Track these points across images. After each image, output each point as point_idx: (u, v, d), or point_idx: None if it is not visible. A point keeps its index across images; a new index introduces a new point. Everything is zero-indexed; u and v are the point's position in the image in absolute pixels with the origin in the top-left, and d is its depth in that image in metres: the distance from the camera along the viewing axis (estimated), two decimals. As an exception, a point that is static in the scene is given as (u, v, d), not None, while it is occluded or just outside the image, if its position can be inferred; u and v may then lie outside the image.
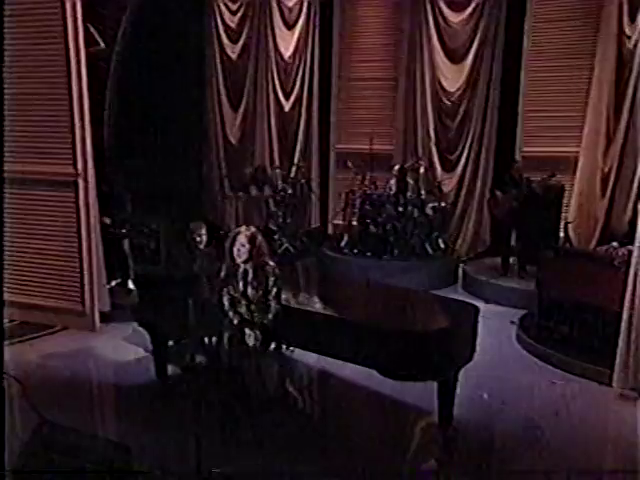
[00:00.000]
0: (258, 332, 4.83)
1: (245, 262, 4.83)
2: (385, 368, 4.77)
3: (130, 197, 8.02)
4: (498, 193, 8.88)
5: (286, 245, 9.98)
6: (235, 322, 4.83)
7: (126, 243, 8.05)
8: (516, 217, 8.58)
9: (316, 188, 11.16)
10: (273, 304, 4.85)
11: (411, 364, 4.67)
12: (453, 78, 10.26)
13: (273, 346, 5.61)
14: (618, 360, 5.78)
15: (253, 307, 4.85)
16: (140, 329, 6.30)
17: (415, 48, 10.43)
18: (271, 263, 4.92)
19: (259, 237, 4.85)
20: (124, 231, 7.99)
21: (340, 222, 10.50)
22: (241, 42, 10.58)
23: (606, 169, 8.74)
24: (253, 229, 4.92)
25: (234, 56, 10.58)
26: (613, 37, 8.65)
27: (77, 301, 7.20)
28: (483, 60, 9.98)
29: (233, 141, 10.77)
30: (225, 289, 4.87)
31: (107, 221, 7.84)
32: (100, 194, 7.45)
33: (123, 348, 6.75)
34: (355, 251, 9.52)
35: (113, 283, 7.99)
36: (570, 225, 8.68)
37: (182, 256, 6.07)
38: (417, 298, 6.08)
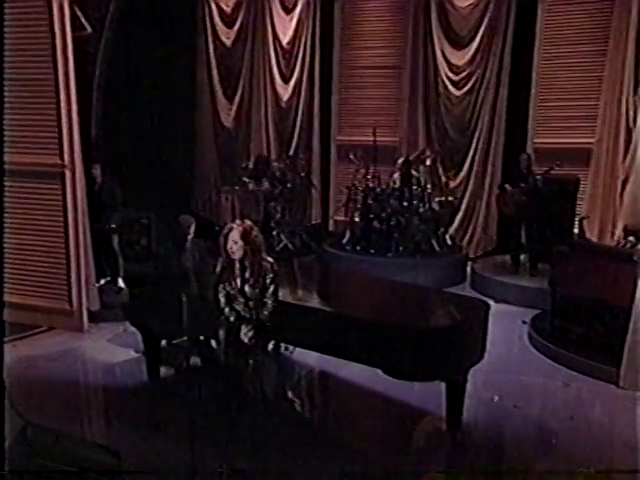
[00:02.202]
0: (255, 330, 4.81)
1: (241, 258, 4.81)
2: (390, 367, 4.75)
3: (120, 190, 7.96)
4: (507, 187, 8.85)
5: (285, 242, 9.94)
6: (231, 319, 4.81)
7: (115, 239, 8.02)
8: (526, 212, 8.55)
9: (316, 182, 11.14)
10: (270, 301, 4.83)
11: (418, 363, 4.65)
12: (460, 66, 10.24)
13: (271, 346, 5.61)
14: (625, 360, 5.77)
15: (250, 304, 4.83)
16: (131, 329, 6.31)
17: (420, 35, 10.40)
18: (269, 259, 4.90)
19: (253, 232, 4.81)
20: (113, 226, 7.94)
21: (342, 218, 10.48)
22: (236, 27, 10.55)
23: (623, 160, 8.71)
24: (247, 223, 4.88)
25: (229, 42, 10.56)
26: (632, 21, 8.60)
27: (64, 300, 7.18)
28: (492, 47, 9.95)
29: (228, 132, 10.74)
30: (221, 285, 4.84)
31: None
32: (89, 187, 7.44)
33: (113, 349, 6.75)
34: (358, 248, 9.48)
35: (102, 281, 7.97)
36: (585, 220, 8.62)
37: (170, 251, 6.05)
38: (424, 294, 6.07)
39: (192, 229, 6.07)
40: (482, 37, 10.01)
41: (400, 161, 9.64)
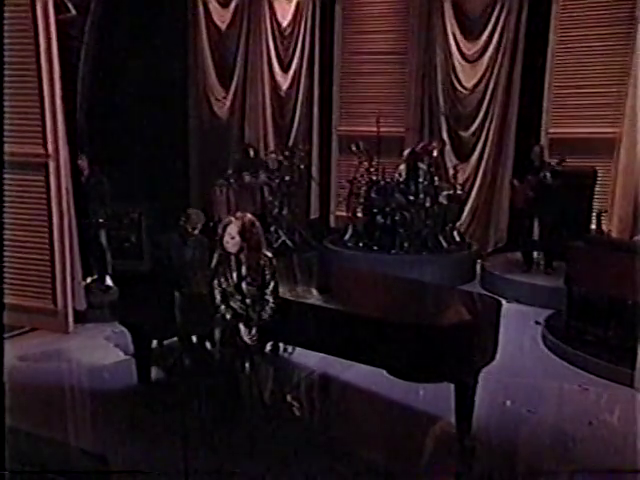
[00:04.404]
0: (253, 329, 4.80)
1: (237, 253, 4.80)
2: (395, 367, 4.74)
3: (108, 182, 7.95)
4: (515, 181, 8.83)
5: (283, 238, 9.92)
6: (227, 317, 4.80)
7: (103, 234, 7.99)
8: (539, 206, 8.54)
9: (316, 175, 11.12)
10: (270, 298, 4.82)
11: (425, 363, 4.65)
12: (470, 50, 10.22)
13: (269, 347, 5.61)
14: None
15: (248, 301, 4.82)
16: (119, 330, 6.31)
17: (428, 18, 10.37)
18: (268, 254, 4.89)
19: (253, 228, 4.81)
20: (101, 221, 7.92)
21: (343, 213, 10.47)
22: (232, 6, 10.51)
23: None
24: (247, 217, 4.88)
25: (223, 26, 10.52)
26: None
27: (48, 299, 7.15)
28: (505, 30, 9.92)
29: (223, 122, 10.73)
30: (216, 281, 4.83)
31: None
32: (75, 178, 7.42)
33: (100, 350, 6.73)
34: (361, 245, 9.47)
35: (89, 280, 7.95)
36: (604, 215, 8.61)
37: (173, 245, 6.04)
38: (431, 290, 6.07)
39: (200, 225, 6.13)
40: (495, 20, 9.98)
41: (406, 152, 9.61)
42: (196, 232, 6.08)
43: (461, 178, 10.00)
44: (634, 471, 4.66)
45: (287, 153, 10.38)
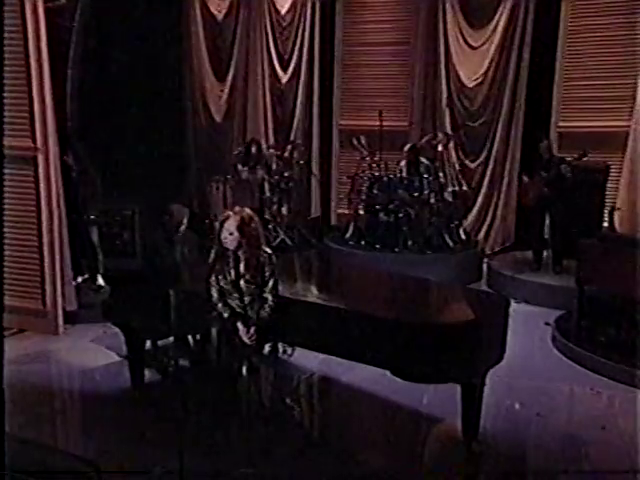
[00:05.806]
0: (252, 328, 4.79)
1: (236, 249, 4.79)
2: (399, 367, 4.73)
3: (100, 178, 7.94)
4: (524, 178, 8.81)
5: (282, 237, 9.91)
6: (225, 316, 4.79)
7: (95, 232, 7.98)
8: (548, 204, 8.53)
9: (317, 171, 11.11)
10: (269, 296, 4.81)
11: (430, 363, 4.63)
12: (476, 41, 10.21)
13: (268, 348, 5.59)
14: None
15: (246, 299, 4.81)
16: (112, 331, 6.30)
17: (432, 6, 10.36)
18: (267, 250, 4.89)
19: (252, 224, 4.80)
20: (93, 217, 7.90)
21: (345, 211, 10.46)
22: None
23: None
24: (246, 212, 4.85)
25: (220, 16, 10.52)
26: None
27: (37, 299, 7.14)
28: (512, 18, 9.90)
29: (219, 115, 10.72)
30: (213, 278, 4.82)
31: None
32: (66, 174, 7.41)
33: (92, 352, 6.73)
34: (363, 243, 9.45)
35: (80, 279, 7.94)
36: (617, 212, 8.59)
37: (159, 242, 6.05)
38: (437, 288, 6.08)
39: (185, 220, 6.13)
40: (501, 9, 9.97)
41: (407, 148, 9.60)
42: (182, 228, 6.08)
43: (467, 174, 10.00)
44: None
45: (290, 147, 10.38)
